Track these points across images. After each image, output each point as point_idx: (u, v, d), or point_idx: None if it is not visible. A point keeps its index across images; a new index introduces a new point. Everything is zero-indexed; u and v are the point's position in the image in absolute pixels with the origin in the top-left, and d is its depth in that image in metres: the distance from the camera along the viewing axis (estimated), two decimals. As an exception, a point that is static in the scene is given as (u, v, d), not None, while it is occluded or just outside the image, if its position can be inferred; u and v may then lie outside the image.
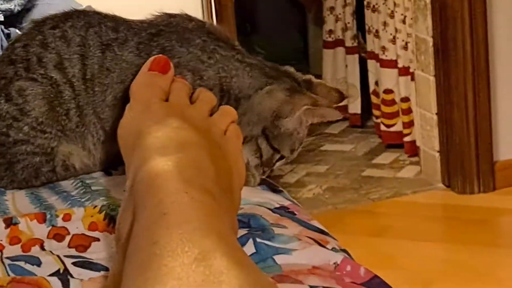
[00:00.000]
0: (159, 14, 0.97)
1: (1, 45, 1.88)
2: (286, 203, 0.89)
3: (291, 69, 0.95)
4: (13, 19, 2.20)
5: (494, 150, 2.85)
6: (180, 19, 0.96)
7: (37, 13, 2.22)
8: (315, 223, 0.85)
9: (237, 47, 0.95)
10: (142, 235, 0.60)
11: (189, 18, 0.96)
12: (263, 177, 0.94)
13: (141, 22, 0.96)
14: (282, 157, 0.93)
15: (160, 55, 0.81)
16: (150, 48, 0.92)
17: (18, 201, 0.91)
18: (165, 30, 0.94)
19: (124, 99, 0.85)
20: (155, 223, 0.59)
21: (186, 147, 0.68)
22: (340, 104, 0.95)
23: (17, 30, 2.03)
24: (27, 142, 0.94)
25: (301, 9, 4.19)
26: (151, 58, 0.80)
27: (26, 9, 2.25)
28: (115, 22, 0.95)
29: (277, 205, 0.88)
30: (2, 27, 2.07)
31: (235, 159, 0.75)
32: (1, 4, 2.17)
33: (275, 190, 0.93)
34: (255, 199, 0.88)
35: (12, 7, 2.20)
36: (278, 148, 0.92)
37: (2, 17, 2.13)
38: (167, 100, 0.77)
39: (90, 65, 0.93)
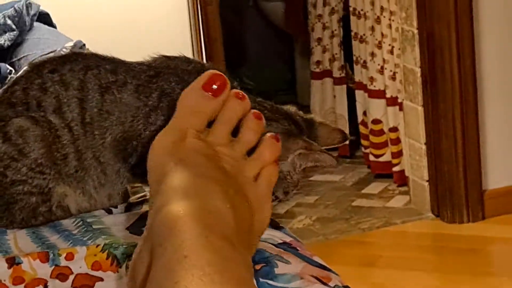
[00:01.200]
0: (157, 56, 0.95)
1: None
2: (288, 239, 0.89)
3: (292, 109, 0.93)
4: (3, 54, 2.20)
5: (483, 179, 2.86)
6: (179, 61, 0.94)
7: (27, 48, 2.22)
8: (317, 259, 0.86)
9: (236, 88, 0.94)
10: (163, 276, 0.60)
11: (188, 60, 0.95)
12: None
13: (140, 64, 0.94)
14: (276, 198, 0.92)
15: (218, 72, 0.76)
16: (150, 90, 0.91)
17: (20, 240, 0.90)
18: (164, 72, 0.92)
19: (169, 106, 0.83)
20: (176, 265, 0.60)
21: (209, 193, 0.68)
22: None
23: (7, 65, 2.03)
24: (24, 182, 0.93)
25: (289, 40, 4.21)
26: (208, 73, 0.76)
27: (16, 44, 2.25)
28: (114, 64, 0.94)
29: (280, 241, 0.88)
30: (-8, 62, 2.07)
31: (260, 205, 0.74)
32: (-9, 39, 2.18)
33: (276, 227, 0.93)
34: (258, 235, 0.88)
35: (2, 42, 2.21)
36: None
37: (-8, 52, 2.14)
38: (211, 122, 0.75)
39: (89, 108, 0.92)
